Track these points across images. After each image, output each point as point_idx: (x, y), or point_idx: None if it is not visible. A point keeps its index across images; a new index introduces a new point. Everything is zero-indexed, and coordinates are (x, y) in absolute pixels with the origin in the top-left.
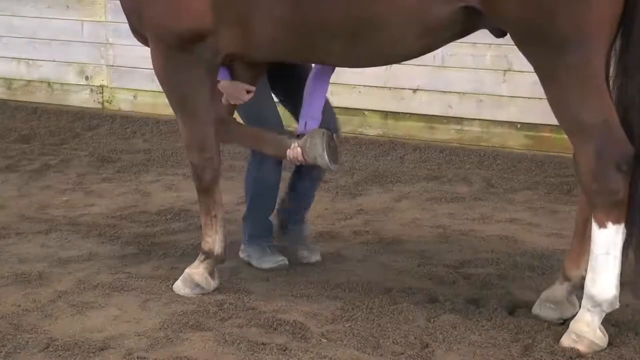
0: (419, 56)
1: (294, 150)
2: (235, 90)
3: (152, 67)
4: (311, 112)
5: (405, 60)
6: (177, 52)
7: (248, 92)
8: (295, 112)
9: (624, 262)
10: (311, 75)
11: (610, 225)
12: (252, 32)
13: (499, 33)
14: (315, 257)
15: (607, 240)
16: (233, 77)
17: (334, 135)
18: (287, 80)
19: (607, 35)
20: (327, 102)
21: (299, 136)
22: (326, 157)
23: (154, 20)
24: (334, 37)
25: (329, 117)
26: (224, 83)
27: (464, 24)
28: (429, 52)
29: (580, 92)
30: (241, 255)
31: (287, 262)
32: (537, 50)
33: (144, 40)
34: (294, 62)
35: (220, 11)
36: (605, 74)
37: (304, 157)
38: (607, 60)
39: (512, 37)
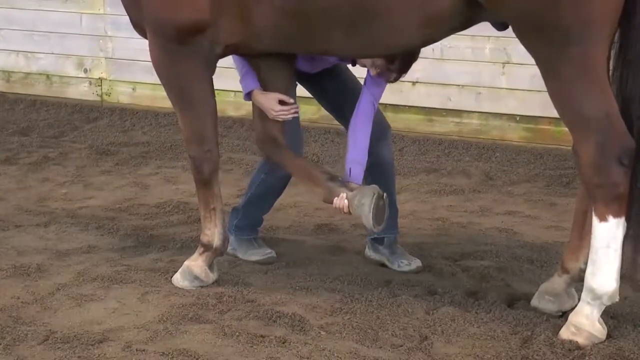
0: (420, 47)
1: (342, 201)
2: (266, 101)
3: (150, 59)
4: (355, 156)
5: (408, 51)
6: (176, 45)
7: (281, 102)
8: (331, 110)
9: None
10: (353, 118)
11: (610, 218)
12: (252, 23)
13: (501, 26)
14: (416, 264)
15: (608, 234)
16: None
17: (384, 195)
18: (321, 78)
19: (609, 27)
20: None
21: (348, 184)
22: (371, 220)
23: (153, 12)
24: (334, 26)
25: (376, 122)
26: (255, 93)
27: (465, 16)
28: (430, 43)
29: (582, 84)
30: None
31: (274, 255)
32: (539, 43)
33: (144, 33)
34: (295, 52)
35: (220, 2)
36: (606, 67)
37: (349, 211)
38: (608, 53)
39: (514, 29)
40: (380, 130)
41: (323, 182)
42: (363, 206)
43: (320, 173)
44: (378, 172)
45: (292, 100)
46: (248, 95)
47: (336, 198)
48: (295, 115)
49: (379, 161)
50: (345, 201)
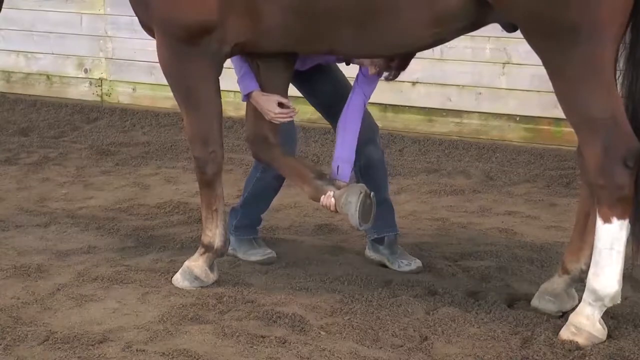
0: (430, 47)
1: (328, 199)
2: (266, 103)
3: (150, 59)
4: (343, 155)
5: (415, 50)
6: (183, 45)
7: (280, 104)
8: (320, 109)
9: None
10: (342, 115)
11: (614, 220)
12: (261, 21)
13: (510, 27)
14: (417, 264)
15: (611, 235)
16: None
17: (372, 194)
18: (310, 76)
19: (618, 28)
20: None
21: (336, 183)
22: (357, 218)
23: (161, 11)
24: (341, 25)
25: (365, 124)
26: (256, 94)
27: (474, 16)
28: (440, 43)
29: (589, 85)
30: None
31: (274, 255)
32: (546, 43)
33: (153, 33)
34: (303, 51)
35: (228, 1)
36: (614, 68)
37: (336, 209)
38: (616, 55)
39: (521, 29)
40: (368, 131)
41: (311, 180)
42: (349, 204)
43: (309, 171)
44: (369, 173)
45: (291, 104)
46: (247, 96)
47: (323, 196)
48: (292, 118)
49: (369, 163)
50: (332, 199)
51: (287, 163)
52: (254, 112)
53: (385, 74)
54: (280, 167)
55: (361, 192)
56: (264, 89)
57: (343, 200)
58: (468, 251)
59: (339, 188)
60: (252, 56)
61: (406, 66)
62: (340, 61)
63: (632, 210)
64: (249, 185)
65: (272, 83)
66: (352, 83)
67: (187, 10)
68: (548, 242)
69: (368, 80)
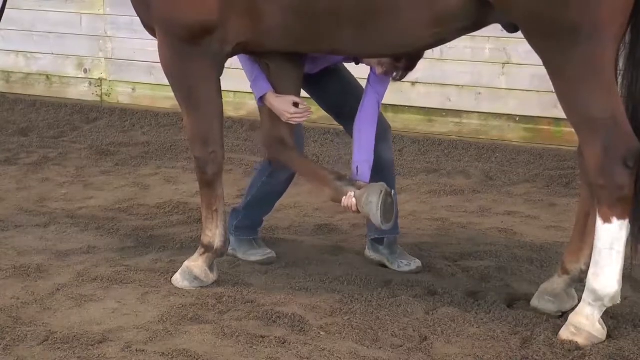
0: (431, 47)
1: (349, 200)
2: (281, 104)
3: (150, 59)
4: (361, 156)
5: (416, 50)
6: (185, 44)
7: (295, 104)
8: (330, 111)
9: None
10: (358, 117)
11: (614, 220)
12: (261, 21)
13: (512, 28)
14: (416, 264)
15: (611, 235)
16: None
17: (392, 192)
18: (320, 78)
19: (618, 29)
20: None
21: (356, 183)
22: (379, 217)
23: (162, 11)
24: (342, 24)
25: (377, 123)
26: (269, 95)
27: (474, 16)
28: (441, 43)
29: (589, 85)
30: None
31: (274, 255)
32: (547, 43)
33: (155, 33)
34: (303, 51)
35: (229, 1)
36: (614, 68)
37: (357, 209)
38: (616, 55)
39: (522, 29)
40: (380, 130)
41: (331, 181)
42: (371, 204)
43: (328, 173)
44: (379, 172)
45: (305, 103)
46: (261, 99)
47: (344, 197)
48: (308, 117)
49: (380, 162)
50: (353, 200)
51: (305, 165)
52: (269, 115)
53: (394, 74)
54: (298, 169)
55: (381, 191)
56: (276, 89)
57: (364, 200)
58: (468, 251)
59: (359, 188)
60: (260, 57)
61: (414, 66)
62: (350, 61)
63: (632, 210)
64: (253, 188)
65: (285, 83)
66: (362, 84)
67: (187, 11)
68: (548, 242)
69: (379, 80)
